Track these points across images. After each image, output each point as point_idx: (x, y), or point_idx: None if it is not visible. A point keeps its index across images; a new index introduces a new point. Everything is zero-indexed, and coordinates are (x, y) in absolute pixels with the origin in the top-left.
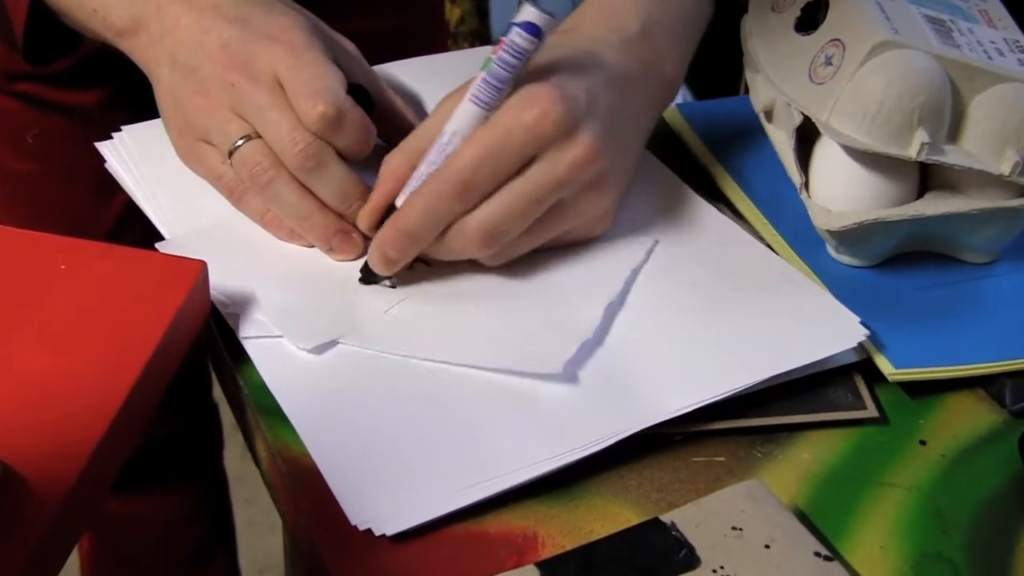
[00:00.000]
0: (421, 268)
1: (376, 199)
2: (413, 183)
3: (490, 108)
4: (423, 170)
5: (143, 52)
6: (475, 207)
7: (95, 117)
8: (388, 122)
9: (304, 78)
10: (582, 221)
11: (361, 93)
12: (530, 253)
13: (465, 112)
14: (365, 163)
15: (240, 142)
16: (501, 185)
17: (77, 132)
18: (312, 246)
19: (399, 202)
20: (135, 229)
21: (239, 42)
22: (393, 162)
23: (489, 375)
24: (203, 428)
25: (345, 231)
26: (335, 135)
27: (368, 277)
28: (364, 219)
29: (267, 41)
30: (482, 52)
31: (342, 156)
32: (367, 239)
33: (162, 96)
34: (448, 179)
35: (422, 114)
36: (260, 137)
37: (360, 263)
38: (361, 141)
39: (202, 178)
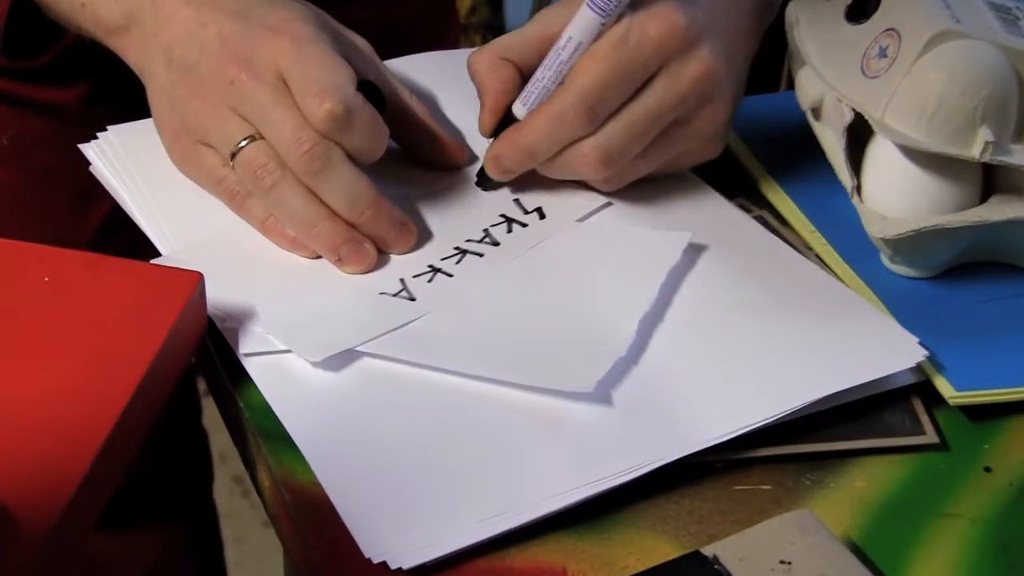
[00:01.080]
0: (443, 281)
1: (489, 107)
2: (534, 92)
3: (608, 16)
4: (540, 75)
5: (135, 50)
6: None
7: (75, 116)
8: (401, 122)
9: (310, 74)
10: (697, 143)
11: (372, 90)
12: (560, 260)
13: (584, 20)
14: (377, 167)
15: (243, 143)
16: (625, 103)
17: (56, 134)
18: (318, 256)
19: (518, 110)
20: (117, 242)
21: (239, 36)
22: (483, 64)
23: (515, 395)
24: (192, 458)
25: (356, 240)
26: (344, 135)
27: (484, 183)
28: (484, 127)
29: (269, 34)
30: None
31: (352, 158)
32: (380, 251)
33: (156, 96)
34: (576, 100)
35: (437, 113)
36: (263, 138)
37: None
38: (372, 142)
39: (198, 184)
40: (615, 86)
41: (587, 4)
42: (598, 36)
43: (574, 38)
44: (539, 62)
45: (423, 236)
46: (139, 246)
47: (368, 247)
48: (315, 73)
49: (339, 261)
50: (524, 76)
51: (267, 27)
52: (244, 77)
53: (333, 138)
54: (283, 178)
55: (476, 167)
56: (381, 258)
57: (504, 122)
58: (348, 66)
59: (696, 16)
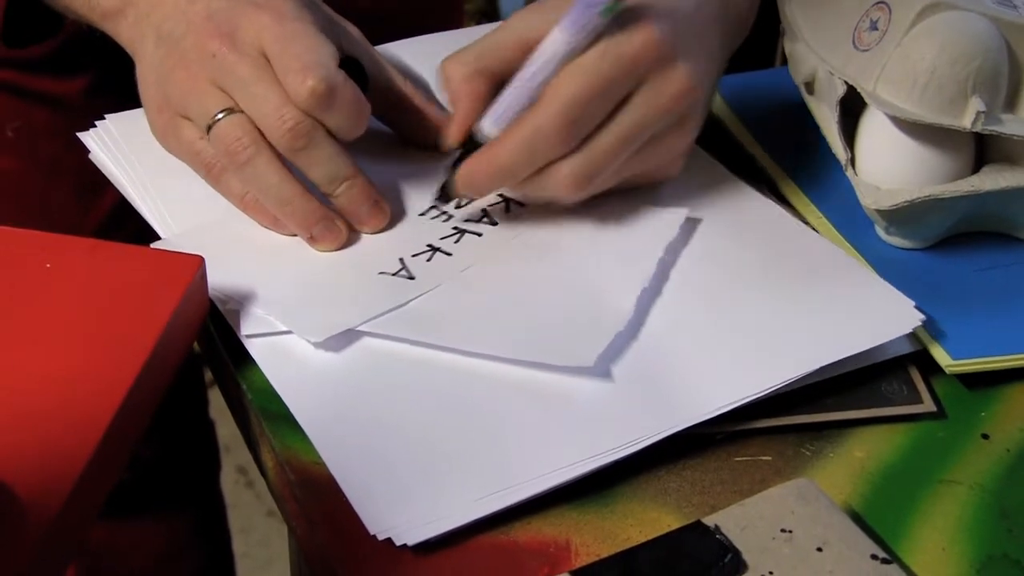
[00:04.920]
0: (442, 260)
1: (460, 119)
2: (502, 107)
3: (580, 32)
4: (510, 92)
5: (129, 31)
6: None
7: (80, 107)
8: (395, 106)
9: (293, 51)
10: (662, 160)
11: (354, 66)
12: (559, 237)
13: (557, 37)
14: (376, 149)
15: (220, 116)
16: (603, 122)
17: (61, 125)
18: (295, 234)
19: (487, 126)
20: (124, 232)
21: (225, 12)
22: (458, 73)
23: (516, 372)
24: (199, 448)
25: (328, 218)
26: (326, 113)
27: (446, 196)
28: (451, 139)
29: (253, 9)
30: (490, 29)
31: (334, 135)
32: (351, 228)
33: (143, 72)
34: (553, 117)
35: (428, 95)
36: (241, 111)
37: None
38: (354, 119)
39: (177, 156)
40: (595, 100)
41: (566, 22)
42: (571, 54)
43: (547, 55)
44: (515, 71)
45: (420, 217)
46: (146, 235)
47: (340, 225)
48: (297, 50)
49: (311, 239)
50: (499, 86)
51: (251, 3)
52: (226, 50)
53: (315, 115)
54: (258, 153)
55: None
56: (380, 238)
57: (469, 137)
58: (330, 43)
59: (673, 31)
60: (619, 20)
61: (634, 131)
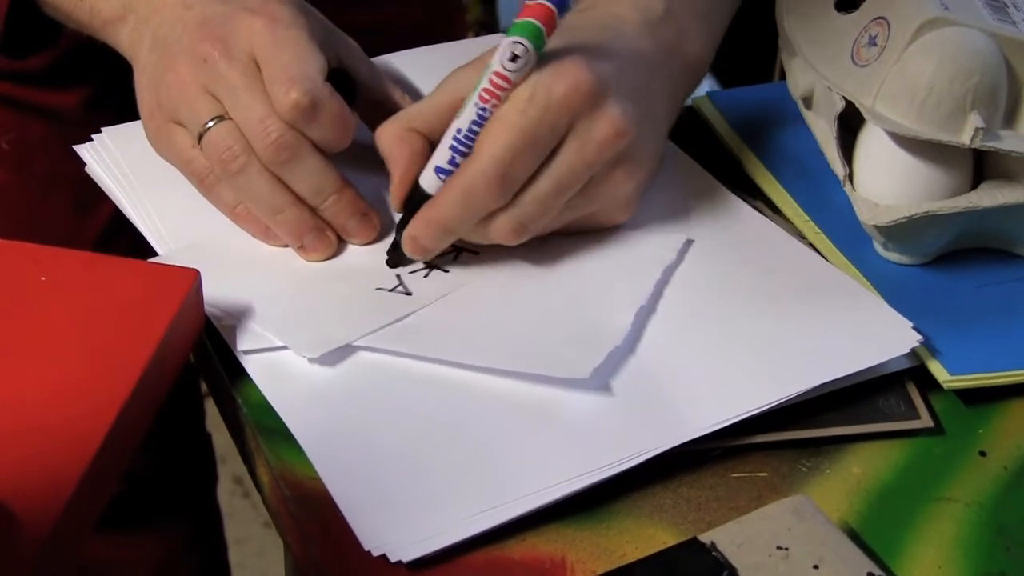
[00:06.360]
0: (439, 276)
1: (397, 181)
2: (438, 158)
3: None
4: (444, 142)
5: (128, 38)
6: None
7: (77, 121)
8: (386, 115)
9: (281, 60)
10: (606, 204)
11: (342, 79)
12: (556, 256)
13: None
14: (345, 155)
15: (211, 123)
16: (537, 168)
17: (57, 138)
18: (287, 245)
19: (424, 181)
20: (120, 246)
21: (219, 16)
22: (390, 135)
23: (512, 388)
24: (196, 460)
25: (319, 228)
26: (309, 126)
27: (396, 260)
28: (393, 199)
29: (247, 15)
30: (490, 41)
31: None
32: (341, 239)
33: (139, 77)
34: (485, 170)
35: None
36: (232, 118)
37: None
38: (337, 133)
39: (170, 163)
40: (524, 153)
41: (497, 67)
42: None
43: (473, 104)
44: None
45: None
46: (142, 250)
47: (330, 234)
48: (286, 60)
49: (301, 248)
50: (433, 145)
51: (247, 8)
52: (217, 55)
53: (299, 128)
54: (249, 163)
55: None
56: (377, 254)
57: (412, 194)
58: (320, 53)
59: (604, 72)
60: (548, 64)
61: (566, 178)
